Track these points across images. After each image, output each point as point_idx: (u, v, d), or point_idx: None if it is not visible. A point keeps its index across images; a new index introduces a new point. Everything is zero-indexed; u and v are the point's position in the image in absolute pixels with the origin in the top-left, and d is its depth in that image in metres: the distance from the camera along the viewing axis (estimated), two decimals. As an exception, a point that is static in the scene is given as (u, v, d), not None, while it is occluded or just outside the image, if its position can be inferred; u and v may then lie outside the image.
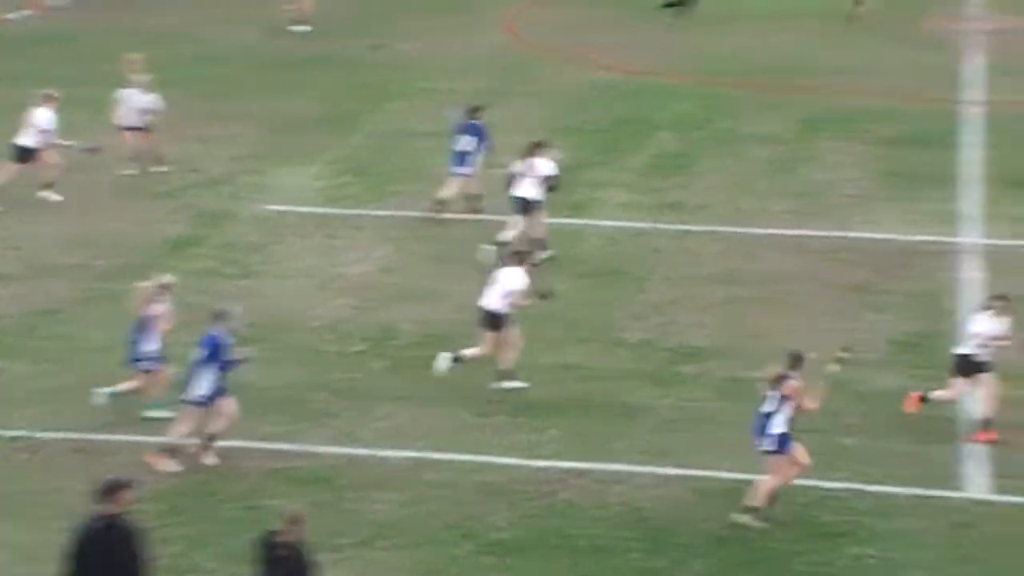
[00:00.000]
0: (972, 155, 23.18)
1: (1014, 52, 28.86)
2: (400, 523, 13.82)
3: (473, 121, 20.59)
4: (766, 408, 13.77)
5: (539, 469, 14.74)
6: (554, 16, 32.00)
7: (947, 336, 17.18)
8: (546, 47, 29.63)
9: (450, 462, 14.86)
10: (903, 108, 25.44)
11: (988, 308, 15.18)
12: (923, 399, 15.31)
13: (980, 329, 14.99)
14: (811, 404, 13.73)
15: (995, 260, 19.40)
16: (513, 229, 19.25)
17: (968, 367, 14.98)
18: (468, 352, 16.20)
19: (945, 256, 19.61)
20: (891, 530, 13.58)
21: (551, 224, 19.78)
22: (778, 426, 13.68)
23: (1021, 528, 13.61)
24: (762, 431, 13.77)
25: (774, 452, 13.77)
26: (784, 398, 13.66)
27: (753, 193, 22.01)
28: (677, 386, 16.37)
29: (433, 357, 16.79)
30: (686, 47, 29.62)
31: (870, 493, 14.06)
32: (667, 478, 14.52)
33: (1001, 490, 14.19)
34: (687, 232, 20.58)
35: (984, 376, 14.97)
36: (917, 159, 23.09)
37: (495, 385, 16.12)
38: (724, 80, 27.42)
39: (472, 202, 20.82)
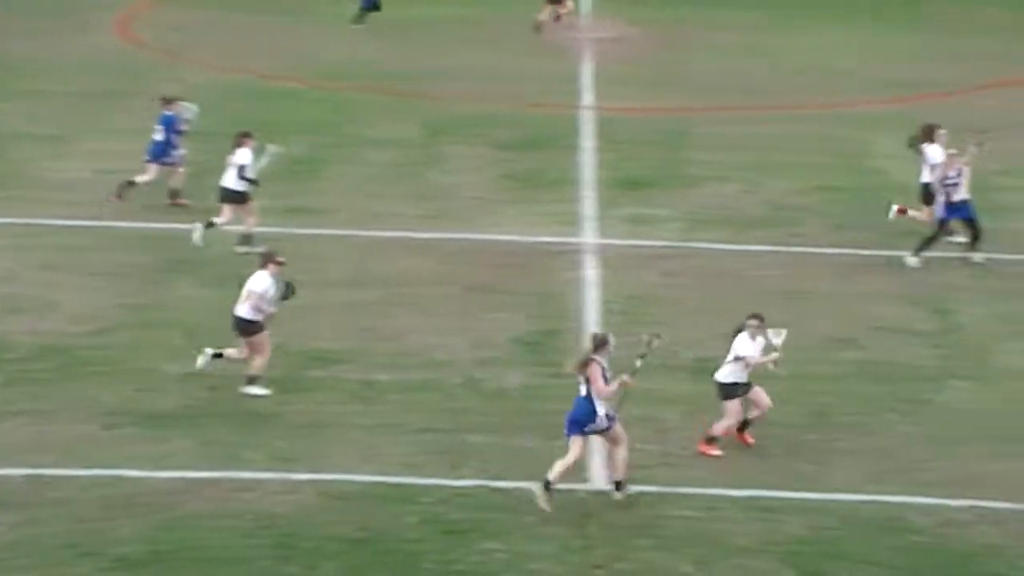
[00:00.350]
0: (588, 159, 24.07)
1: (625, 58, 30.17)
2: (14, 545, 13.20)
3: (166, 112, 20.80)
4: (585, 393, 14.08)
5: (166, 480, 14.37)
6: (171, 19, 31.31)
7: (568, 334, 17.76)
8: (163, 49, 28.94)
9: (71, 477, 14.30)
10: (522, 113, 26.16)
11: (745, 328, 15.19)
12: (745, 425, 15.25)
13: (741, 351, 15.05)
14: (604, 388, 14.03)
15: (611, 259, 20.19)
16: (251, 216, 19.75)
17: (731, 390, 15.10)
18: (229, 351, 16.09)
19: (565, 256, 20.26)
20: (517, 524, 13.89)
21: (177, 230, 19.40)
22: (601, 406, 14.03)
23: (633, 514, 14.09)
24: (589, 416, 13.99)
25: (608, 429, 14.07)
26: (588, 381, 14.07)
27: (381, 197, 22.17)
28: (308, 391, 16.28)
29: (50, 369, 16.13)
30: (311, 52, 29.55)
31: (497, 489, 14.34)
32: (298, 483, 14.42)
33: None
34: (316, 236, 20.51)
35: (728, 404, 15.10)
36: (537, 163, 23.78)
37: (243, 390, 15.93)
38: (350, 85, 27.50)
39: (123, 190, 20.77)
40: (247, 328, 15.98)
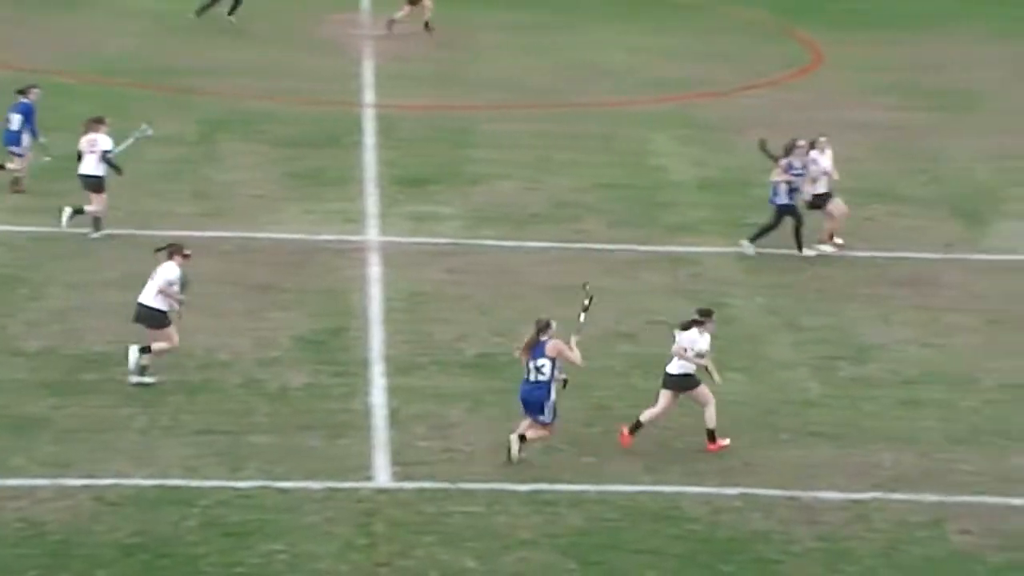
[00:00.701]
0: (370, 156, 23.99)
1: (406, 56, 30.18)
2: None
3: (23, 100, 21.08)
4: (540, 378, 14.48)
5: (-75, 491, 13.82)
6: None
7: (352, 332, 17.67)
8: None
9: None
10: (302, 110, 25.93)
11: (694, 324, 15.16)
12: (634, 429, 15.21)
13: (688, 345, 15.06)
14: (576, 358, 14.55)
15: (395, 256, 20.17)
16: (95, 205, 19.83)
17: (680, 384, 15.14)
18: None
19: (348, 254, 20.15)
20: (300, 524, 13.77)
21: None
22: (551, 395, 14.54)
23: (416, 511, 14.12)
24: (537, 402, 14.50)
25: (550, 423, 14.63)
26: (552, 361, 14.40)
27: (156, 195, 21.71)
28: (80, 394, 15.85)
29: None
30: (75, 46, 28.78)
31: (279, 489, 14.18)
32: (70, 489, 14.02)
33: (401, 477, 14.69)
34: (90, 236, 19.99)
35: (697, 391, 15.17)
36: (318, 160, 23.60)
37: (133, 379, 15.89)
38: (119, 80, 26.86)
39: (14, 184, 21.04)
40: (158, 319, 15.96)
